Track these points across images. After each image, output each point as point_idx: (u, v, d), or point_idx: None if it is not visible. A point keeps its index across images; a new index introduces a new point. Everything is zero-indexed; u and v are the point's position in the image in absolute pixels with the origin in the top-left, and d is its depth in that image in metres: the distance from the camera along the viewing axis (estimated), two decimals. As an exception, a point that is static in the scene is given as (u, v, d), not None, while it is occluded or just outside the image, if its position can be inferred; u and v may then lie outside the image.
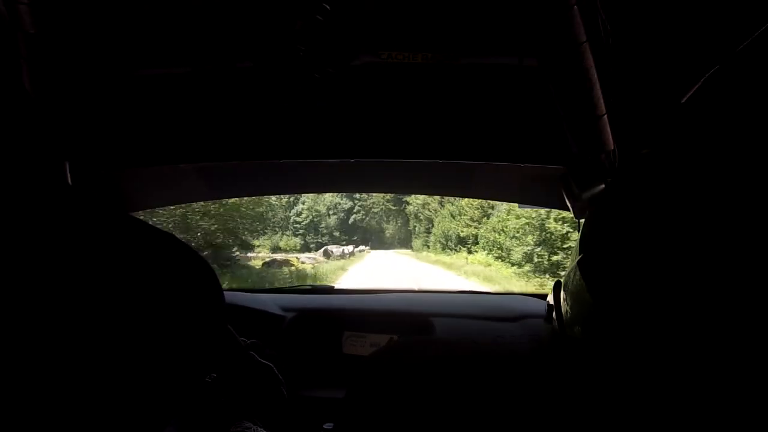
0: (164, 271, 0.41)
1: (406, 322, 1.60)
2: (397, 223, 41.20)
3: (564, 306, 0.60)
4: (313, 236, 38.39)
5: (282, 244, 32.39)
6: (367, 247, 36.71)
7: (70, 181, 1.03)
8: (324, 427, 1.20)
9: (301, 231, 37.93)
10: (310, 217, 38.39)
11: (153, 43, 1.08)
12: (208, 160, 1.33)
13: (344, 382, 0.41)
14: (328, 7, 0.86)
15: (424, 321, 1.57)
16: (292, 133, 1.26)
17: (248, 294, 1.79)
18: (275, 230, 33.60)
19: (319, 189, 2.25)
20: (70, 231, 0.38)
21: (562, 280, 0.67)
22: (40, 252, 0.36)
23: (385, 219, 41.75)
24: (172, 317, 0.40)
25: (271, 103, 1.23)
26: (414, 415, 0.34)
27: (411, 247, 36.11)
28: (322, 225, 39.73)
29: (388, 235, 41.55)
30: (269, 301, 1.69)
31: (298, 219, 38.01)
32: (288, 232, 36.70)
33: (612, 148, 1.08)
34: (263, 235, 30.36)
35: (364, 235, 41.02)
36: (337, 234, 39.90)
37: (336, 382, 1.41)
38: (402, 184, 2.04)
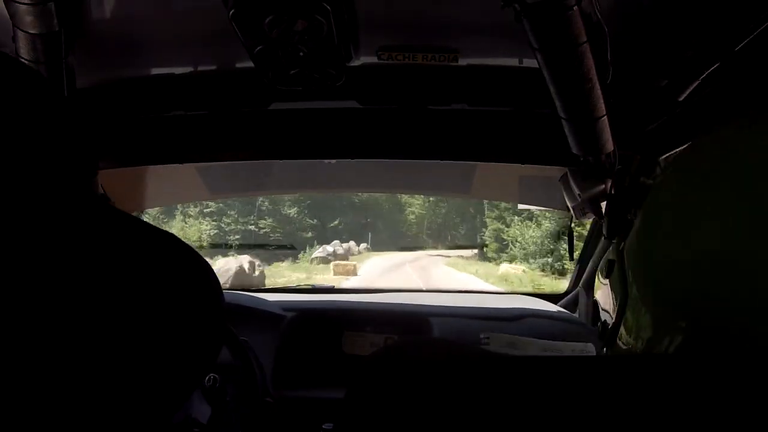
0: (164, 270, 0.41)
1: (407, 321, 1.60)
2: (428, 199, 18.84)
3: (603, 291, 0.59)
4: (240, 223, 17.31)
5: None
6: (361, 247, 18.24)
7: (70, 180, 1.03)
8: (323, 427, 1.20)
9: (215, 213, 17.29)
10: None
11: (152, 43, 1.08)
12: (208, 160, 1.33)
13: (344, 382, 0.41)
14: (328, 7, 0.86)
15: (425, 321, 1.57)
16: (292, 133, 1.26)
17: (248, 294, 1.79)
18: (170, 209, 15.82)
19: (319, 188, 2.26)
20: (70, 229, 0.38)
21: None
22: (40, 251, 0.36)
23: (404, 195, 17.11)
24: (171, 317, 0.40)
25: (271, 104, 1.23)
26: (413, 416, 0.34)
27: (481, 253, 16.91)
28: (263, 199, 17.34)
29: (412, 219, 19.59)
30: (269, 301, 1.69)
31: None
32: (193, 211, 16.64)
33: (612, 149, 1.08)
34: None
35: (358, 221, 19.28)
36: (299, 218, 18.37)
37: (336, 382, 1.41)
38: (402, 184, 2.04)
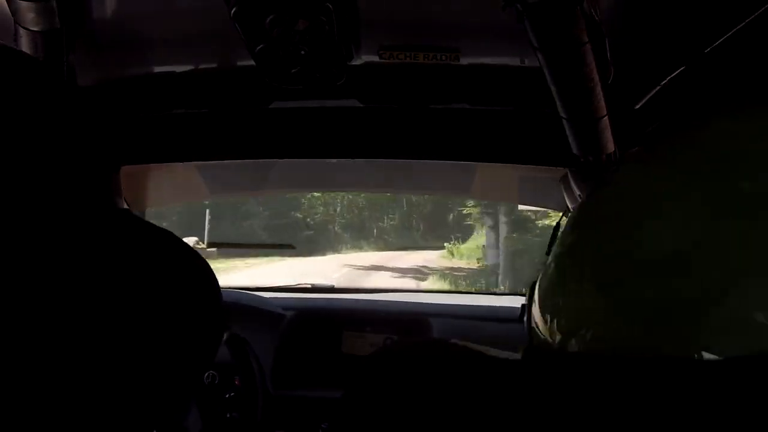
0: (162, 268, 0.41)
1: (406, 322, 1.60)
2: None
3: (536, 303, 0.57)
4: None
5: None
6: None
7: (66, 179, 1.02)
8: (322, 426, 1.21)
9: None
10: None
11: (153, 41, 1.08)
12: (209, 158, 1.33)
13: (343, 382, 0.41)
14: (330, 6, 0.86)
15: (424, 321, 1.57)
16: (293, 132, 1.26)
17: (248, 292, 1.79)
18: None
19: (320, 188, 2.26)
20: (70, 227, 0.38)
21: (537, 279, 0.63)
22: (40, 248, 0.36)
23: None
24: (170, 315, 0.40)
25: (272, 102, 1.23)
26: (410, 417, 0.34)
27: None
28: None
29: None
30: (269, 300, 1.69)
31: None
32: None
33: (613, 149, 1.08)
34: None
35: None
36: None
37: (335, 382, 1.41)
38: (402, 184, 2.04)
